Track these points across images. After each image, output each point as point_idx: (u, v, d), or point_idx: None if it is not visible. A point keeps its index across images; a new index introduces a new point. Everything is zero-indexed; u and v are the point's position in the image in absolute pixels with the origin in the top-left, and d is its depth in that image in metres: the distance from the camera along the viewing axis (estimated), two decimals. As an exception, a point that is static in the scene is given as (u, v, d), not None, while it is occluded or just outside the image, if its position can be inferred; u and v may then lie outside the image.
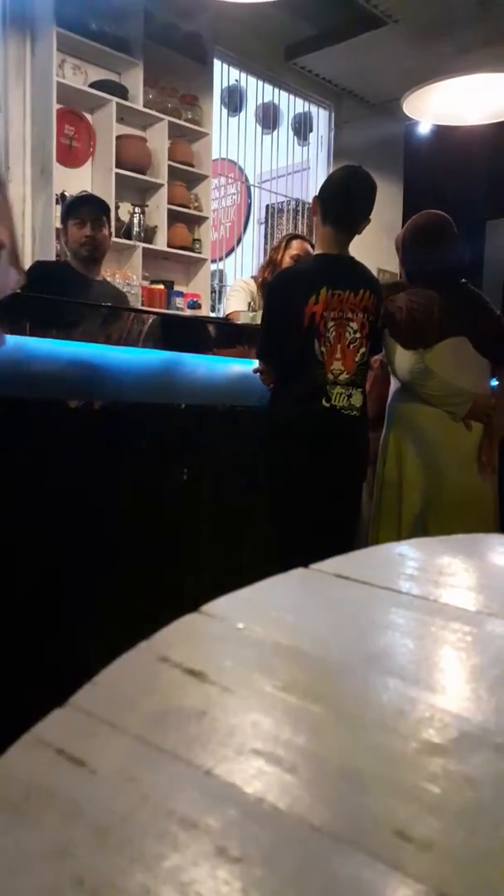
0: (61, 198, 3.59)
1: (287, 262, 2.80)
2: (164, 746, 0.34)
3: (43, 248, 3.60)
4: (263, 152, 5.30)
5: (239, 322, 2.76)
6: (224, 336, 2.33)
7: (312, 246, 2.70)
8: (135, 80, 3.94)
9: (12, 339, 1.76)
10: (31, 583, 1.77)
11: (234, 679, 0.41)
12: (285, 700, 0.38)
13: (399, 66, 4.37)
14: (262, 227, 5.49)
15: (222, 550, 2.20)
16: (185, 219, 4.28)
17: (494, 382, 2.25)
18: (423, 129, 4.99)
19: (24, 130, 3.65)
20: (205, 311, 4.34)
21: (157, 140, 4.07)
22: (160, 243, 4.10)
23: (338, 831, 0.29)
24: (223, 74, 4.74)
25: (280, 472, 2.03)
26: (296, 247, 2.86)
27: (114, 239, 3.04)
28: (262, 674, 0.41)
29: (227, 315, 3.02)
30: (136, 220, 3.99)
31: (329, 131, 5.42)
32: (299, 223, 5.34)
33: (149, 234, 4.08)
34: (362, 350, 1.98)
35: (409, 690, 0.40)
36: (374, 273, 2.26)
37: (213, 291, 4.74)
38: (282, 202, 5.42)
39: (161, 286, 4.12)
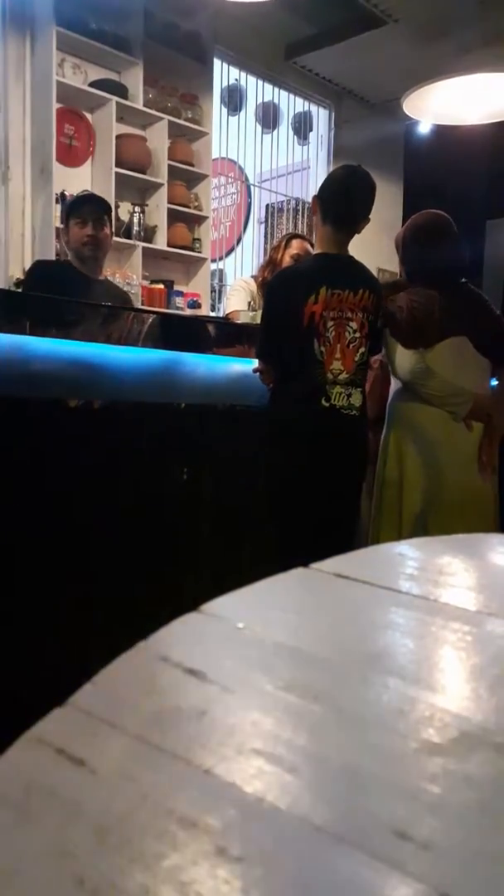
0: (61, 197, 3.59)
1: (287, 261, 2.79)
2: (163, 746, 0.34)
3: (43, 247, 3.60)
4: (263, 152, 5.30)
5: (239, 321, 2.76)
6: (224, 335, 2.33)
7: (312, 245, 2.70)
8: (135, 80, 3.94)
9: (12, 339, 1.76)
10: (31, 582, 1.77)
11: (234, 678, 0.41)
12: (285, 699, 0.38)
13: (399, 65, 4.37)
14: (262, 226, 5.49)
15: (222, 550, 2.20)
16: (185, 218, 4.28)
17: (494, 382, 2.25)
18: (423, 128, 4.99)
19: (23, 130, 3.65)
20: (205, 311, 4.34)
21: (157, 139, 4.07)
22: (160, 243, 4.10)
23: (338, 831, 0.29)
24: (223, 74, 4.74)
25: (280, 472, 2.03)
26: (296, 246, 2.86)
27: (114, 238, 3.04)
28: (262, 673, 0.41)
29: (227, 314, 3.02)
30: (135, 220, 3.99)
31: (329, 131, 5.42)
32: (299, 222, 5.34)
33: (149, 234, 4.07)
34: (362, 350, 1.98)
35: (409, 690, 0.40)
36: (374, 273, 2.26)
37: (212, 291, 4.74)
38: (282, 201, 5.42)
39: (161, 286, 4.12)
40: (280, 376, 2.03)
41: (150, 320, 2.03)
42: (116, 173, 3.84)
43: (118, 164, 3.85)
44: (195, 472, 2.17)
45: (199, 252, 4.37)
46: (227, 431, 2.25)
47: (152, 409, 2.08)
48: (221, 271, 5.22)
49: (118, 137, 3.87)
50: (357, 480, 2.07)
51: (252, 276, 3.27)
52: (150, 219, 4.10)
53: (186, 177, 4.29)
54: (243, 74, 4.91)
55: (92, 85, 3.81)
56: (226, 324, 2.69)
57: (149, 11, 3.92)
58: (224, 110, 4.96)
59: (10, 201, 3.61)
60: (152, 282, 4.12)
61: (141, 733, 0.35)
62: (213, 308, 4.66)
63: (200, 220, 4.37)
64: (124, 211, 3.98)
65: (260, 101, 5.16)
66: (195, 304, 4.28)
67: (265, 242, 5.32)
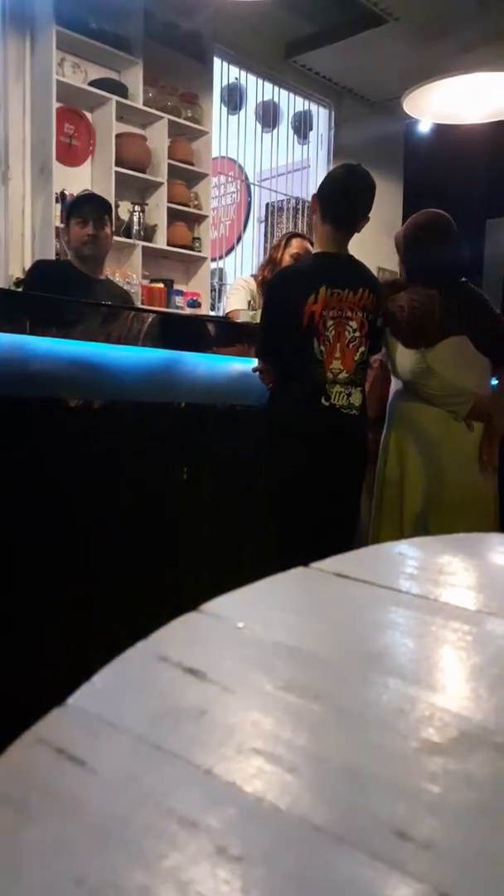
0: (61, 196, 3.59)
1: (287, 260, 2.79)
2: (163, 746, 0.34)
3: (43, 246, 3.60)
4: (263, 150, 5.29)
5: (239, 321, 2.75)
6: (224, 335, 2.33)
7: (312, 244, 2.70)
8: (134, 79, 3.94)
9: (12, 338, 1.76)
10: (31, 582, 1.77)
11: (234, 678, 0.41)
12: (285, 699, 0.38)
13: (399, 64, 4.37)
14: (262, 225, 5.49)
15: (222, 550, 2.20)
16: (185, 217, 4.28)
17: (495, 382, 2.25)
18: (423, 127, 4.99)
19: (23, 129, 3.64)
20: (204, 310, 4.34)
21: (157, 138, 4.07)
22: (160, 242, 4.10)
23: (338, 831, 0.29)
24: (223, 72, 4.74)
25: (280, 472, 2.03)
26: (296, 245, 2.86)
27: (114, 238, 3.04)
28: (261, 673, 0.41)
29: (227, 314, 3.02)
30: (135, 219, 3.99)
31: (329, 130, 5.41)
32: (299, 221, 5.34)
33: (148, 233, 4.07)
34: (361, 349, 1.98)
35: (409, 689, 0.40)
36: (374, 272, 2.26)
37: (212, 290, 4.74)
38: (282, 200, 5.42)
39: (161, 285, 4.12)
40: (280, 376, 2.03)
41: (150, 319, 2.03)
42: (116, 172, 3.84)
43: (118, 164, 3.85)
44: (195, 472, 2.17)
45: (199, 251, 4.36)
46: (227, 431, 2.25)
47: (152, 409, 2.08)
48: (221, 270, 5.22)
49: (118, 137, 3.87)
50: (357, 480, 2.07)
51: (252, 275, 3.27)
52: (149, 218, 4.09)
53: (186, 176, 4.29)
54: (243, 73, 4.91)
55: (92, 84, 3.80)
56: (226, 323, 2.68)
57: (149, 11, 3.92)
58: (224, 109, 4.95)
59: (10, 201, 3.61)
60: (152, 281, 4.12)
61: (141, 733, 0.35)
62: (212, 307, 4.66)
63: (200, 219, 4.37)
64: (124, 210, 3.98)
65: (260, 100, 5.16)
66: (195, 304, 4.28)
67: (265, 241, 5.31)
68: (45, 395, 1.83)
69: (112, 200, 3.65)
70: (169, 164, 4.09)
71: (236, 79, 4.96)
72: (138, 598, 1.89)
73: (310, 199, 2.18)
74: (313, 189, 2.10)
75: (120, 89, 3.88)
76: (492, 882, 0.27)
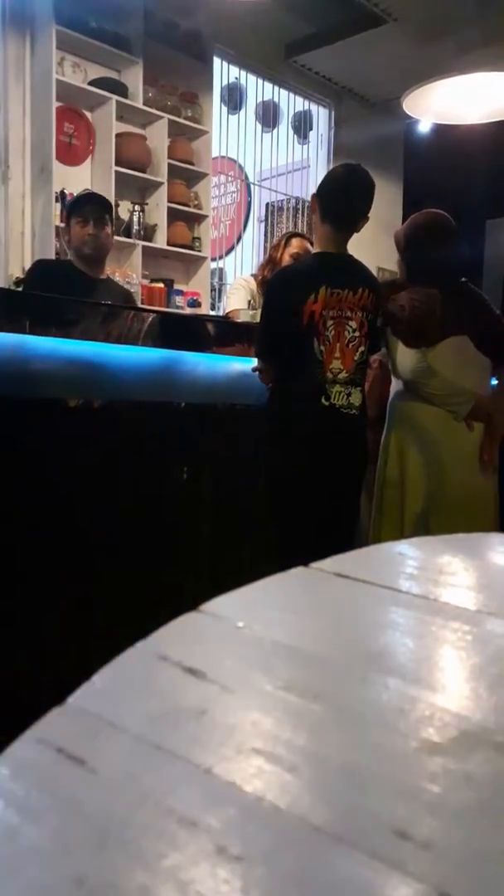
0: (61, 196, 3.59)
1: (287, 260, 2.79)
2: (163, 745, 0.34)
3: (43, 246, 3.60)
4: (263, 150, 5.29)
5: (239, 320, 2.75)
6: (224, 334, 2.33)
7: (312, 244, 2.70)
8: (134, 78, 3.94)
9: (12, 338, 1.76)
10: (32, 582, 1.77)
11: (234, 678, 0.41)
12: (285, 699, 0.38)
13: (399, 64, 4.37)
14: (262, 225, 5.49)
15: (222, 550, 2.20)
16: (185, 217, 4.28)
17: (495, 382, 2.25)
18: (423, 127, 4.99)
19: (23, 128, 3.64)
20: (205, 310, 4.34)
21: (157, 138, 4.07)
22: (160, 241, 4.10)
23: (338, 830, 0.29)
24: (223, 72, 4.74)
25: (280, 472, 2.03)
26: (295, 245, 2.86)
27: (114, 237, 3.04)
28: (261, 673, 0.41)
29: (227, 313, 3.02)
30: (135, 219, 3.99)
31: (329, 129, 5.41)
32: (299, 221, 5.34)
33: (148, 233, 4.07)
34: (361, 349, 1.98)
35: (409, 689, 0.40)
36: (374, 272, 2.26)
37: (212, 290, 4.74)
38: (282, 200, 5.42)
39: (161, 284, 4.12)
40: (280, 375, 2.03)
41: (150, 319, 2.03)
42: (116, 172, 3.84)
43: (118, 163, 3.85)
44: (195, 471, 2.17)
45: (199, 251, 4.36)
46: (227, 431, 2.25)
47: (152, 409, 2.08)
48: (221, 270, 5.22)
49: (118, 136, 3.87)
50: (357, 480, 2.07)
51: (252, 275, 3.27)
52: (149, 217, 4.09)
53: (186, 175, 4.29)
54: (243, 73, 4.91)
55: (92, 83, 3.80)
56: (226, 323, 2.68)
57: (149, 10, 3.92)
58: (224, 109, 4.96)
59: (9, 200, 3.61)
60: (152, 281, 4.12)
61: (141, 732, 0.35)
62: (212, 307, 4.66)
63: (200, 218, 4.37)
64: (124, 210, 3.98)
65: (260, 99, 5.16)
66: (195, 303, 4.28)
67: (265, 241, 5.32)
68: (45, 395, 1.83)
69: (112, 200, 3.65)
70: (169, 164, 4.09)
71: (236, 79, 4.96)
72: (138, 598, 1.89)
73: (309, 198, 2.18)
74: (313, 189, 2.10)
75: (120, 89, 3.88)
76: (492, 882, 0.27)
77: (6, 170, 3.60)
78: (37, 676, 1.71)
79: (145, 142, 4.05)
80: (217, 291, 4.96)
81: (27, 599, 1.75)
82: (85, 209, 2.52)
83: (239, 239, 5.56)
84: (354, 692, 0.40)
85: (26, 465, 1.76)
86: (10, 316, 1.76)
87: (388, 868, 0.27)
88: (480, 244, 5.65)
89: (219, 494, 2.22)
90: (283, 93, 5.20)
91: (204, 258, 4.39)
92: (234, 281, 3.55)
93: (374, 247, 3.20)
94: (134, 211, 4.00)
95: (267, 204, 5.44)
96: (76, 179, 3.78)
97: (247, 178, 5.45)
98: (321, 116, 5.42)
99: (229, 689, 0.40)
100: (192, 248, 4.32)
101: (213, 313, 4.46)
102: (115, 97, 3.81)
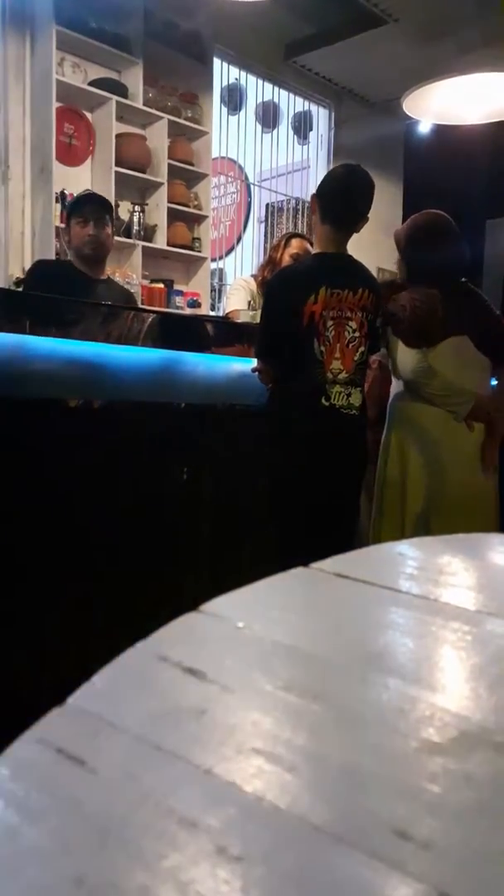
0: (61, 196, 3.59)
1: (286, 260, 2.79)
2: (163, 745, 0.34)
3: (43, 246, 3.60)
4: (263, 151, 5.30)
5: (239, 321, 2.75)
6: (224, 335, 2.33)
7: (312, 244, 2.70)
8: (134, 79, 3.94)
9: (12, 338, 1.76)
10: (32, 582, 1.77)
11: (234, 678, 0.41)
12: (285, 699, 0.38)
13: (399, 65, 4.37)
14: (262, 225, 5.49)
15: (222, 550, 2.20)
16: (185, 217, 4.28)
17: (495, 382, 2.25)
18: (423, 128, 4.99)
19: (23, 129, 3.65)
20: (204, 310, 4.34)
21: (157, 138, 4.07)
22: (160, 242, 4.10)
23: (338, 830, 0.29)
24: (223, 73, 4.74)
25: (280, 472, 2.03)
26: (295, 245, 2.86)
27: (114, 238, 3.04)
28: (261, 673, 0.41)
29: (227, 314, 3.02)
30: (135, 219, 3.99)
31: (329, 130, 5.41)
32: (299, 222, 5.34)
33: (148, 233, 4.07)
34: (361, 349, 1.98)
35: (409, 689, 0.40)
36: (374, 272, 2.26)
37: (212, 290, 4.74)
38: (282, 201, 5.42)
39: (161, 285, 4.12)
40: (280, 376, 2.03)
41: (150, 319, 2.03)
42: (116, 172, 3.84)
43: (118, 164, 3.85)
44: (195, 472, 2.17)
45: (199, 251, 4.37)
46: (227, 431, 2.25)
47: (152, 409, 2.08)
48: (221, 270, 5.22)
49: (118, 136, 3.87)
50: (357, 480, 2.07)
51: (252, 276, 3.27)
52: (149, 218, 4.10)
53: (186, 176, 4.29)
54: (243, 74, 4.91)
55: (92, 84, 3.81)
56: (226, 323, 2.68)
57: (149, 10, 3.92)
58: (224, 109, 4.96)
59: (9, 200, 3.61)
60: (152, 281, 4.12)
61: (141, 733, 0.35)
62: (212, 307, 4.66)
63: (200, 219, 4.37)
64: (124, 210, 3.98)
65: (260, 100, 5.16)
66: (195, 304, 4.28)
67: (265, 242, 5.32)
68: (45, 395, 1.83)
69: (112, 200, 3.65)
70: (169, 164, 4.09)
71: (236, 79, 4.96)
72: (138, 598, 1.89)
73: (309, 199, 2.18)
74: (313, 189, 2.10)
75: (120, 89, 3.88)
76: (492, 882, 0.27)
77: (6, 170, 3.60)
78: (37, 676, 1.71)
79: (145, 142, 4.05)
80: (217, 292, 4.96)
81: (27, 599, 1.75)
82: (85, 209, 2.52)
83: (239, 239, 5.56)
84: (354, 692, 0.40)
85: (26, 465, 1.76)
86: (10, 316, 1.76)
87: (388, 868, 0.27)
88: (480, 244, 5.65)
89: (219, 494, 2.22)
90: (283, 93, 5.20)
91: (204, 259, 4.39)
92: (234, 281, 3.56)
93: (374, 247, 3.20)
94: (134, 211, 4.00)
95: (267, 204, 5.44)
96: (76, 180, 3.78)
97: (247, 178, 5.45)
98: (321, 117, 5.43)
99: (229, 689, 0.40)
100: (192, 249, 4.32)
101: (213, 314, 4.46)
102: (115, 97, 3.81)
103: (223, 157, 5.03)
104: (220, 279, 5.14)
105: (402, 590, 0.57)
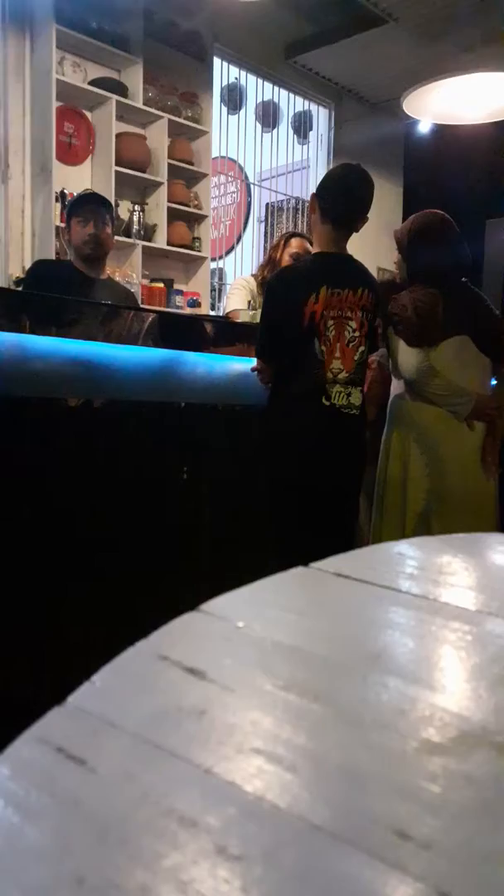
0: (61, 196, 3.59)
1: (286, 260, 2.79)
2: (163, 745, 0.34)
3: (43, 246, 3.60)
4: (263, 150, 5.29)
5: (239, 320, 2.75)
6: (224, 335, 2.33)
7: (312, 244, 2.70)
8: (134, 78, 3.94)
9: (12, 338, 1.76)
10: (31, 582, 1.77)
11: (234, 678, 0.41)
12: (285, 699, 0.38)
13: (399, 64, 4.37)
14: (262, 225, 5.49)
15: (222, 550, 2.20)
16: (185, 217, 4.28)
17: (495, 382, 2.26)
18: (423, 127, 4.99)
19: (23, 128, 3.64)
20: (204, 310, 4.34)
21: (157, 138, 4.07)
22: (160, 241, 4.10)
23: (337, 830, 0.29)
24: (223, 72, 4.74)
25: (280, 471, 2.03)
26: (295, 245, 2.86)
27: (114, 237, 3.04)
28: (261, 672, 0.41)
29: (227, 313, 3.02)
30: (135, 219, 3.99)
31: (329, 130, 5.41)
32: (299, 221, 5.34)
33: (148, 233, 4.07)
34: (361, 349, 1.98)
35: (409, 689, 0.40)
36: (374, 272, 2.26)
37: (212, 290, 4.74)
38: (282, 200, 5.42)
39: (161, 284, 4.12)
40: (280, 375, 2.03)
41: (150, 319, 2.03)
42: (116, 172, 3.84)
43: (118, 163, 3.85)
44: (195, 472, 2.17)
45: (199, 251, 4.36)
46: (227, 431, 2.25)
47: (152, 409, 2.08)
48: (221, 270, 5.22)
49: (118, 136, 3.87)
50: (357, 480, 2.07)
51: (252, 275, 3.27)
52: (149, 217, 4.09)
53: (186, 175, 4.29)
54: (243, 73, 4.90)
55: (92, 83, 3.80)
56: (226, 323, 2.68)
57: (148, 10, 3.92)
58: (224, 109, 4.96)
59: (9, 200, 3.61)
60: (152, 280, 4.12)
61: (141, 732, 0.35)
62: (212, 307, 4.66)
63: (200, 218, 4.37)
64: (124, 209, 3.98)
65: (260, 99, 5.16)
66: (195, 303, 4.28)
67: (265, 241, 5.32)
68: (45, 395, 1.83)
69: (112, 200, 3.65)
70: (169, 164, 4.09)
71: (236, 79, 4.96)
72: (138, 598, 1.89)
73: (309, 199, 2.18)
74: (313, 189, 2.10)
75: (120, 89, 3.88)
76: (492, 882, 0.27)
77: (6, 170, 3.60)
78: (37, 676, 1.71)
79: (145, 142, 4.05)
80: (217, 291, 4.95)
81: (27, 599, 1.75)
82: (85, 209, 2.52)
83: (239, 239, 5.56)
84: (354, 692, 0.40)
85: (26, 465, 1.76)
86: (10, 316, 1.76)
87: (388, 868, 0.27)
88: (480, 244, 5.65)
89: (219, 494, 2.22)
90: (283, 93, 5.20)
91: (204, 258, 4.39)
92: (234, 281, 3.55)
93: (374, 247, 3.21)
94: (134, 211, 4.00)
95: (267, 204, 5.44)
96: (76, 179, 3.78)
97: (247, 178, 5.45)
98: (321, 117, 5.42)
99: (229, 688, 0.40)
100: (192, 248, 4.32)
101: (213, 313, 4.46)
102: (115, 97, 3.81)
103: (223, 157, 5.03)
104: (220, 279, 5.13)
105: (402, 589, 0.57)
